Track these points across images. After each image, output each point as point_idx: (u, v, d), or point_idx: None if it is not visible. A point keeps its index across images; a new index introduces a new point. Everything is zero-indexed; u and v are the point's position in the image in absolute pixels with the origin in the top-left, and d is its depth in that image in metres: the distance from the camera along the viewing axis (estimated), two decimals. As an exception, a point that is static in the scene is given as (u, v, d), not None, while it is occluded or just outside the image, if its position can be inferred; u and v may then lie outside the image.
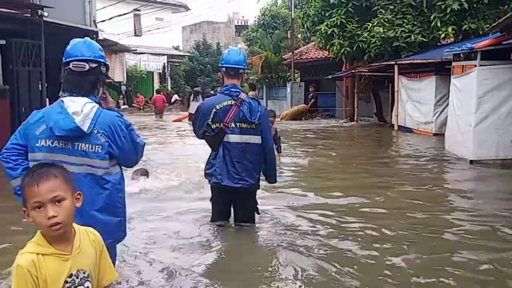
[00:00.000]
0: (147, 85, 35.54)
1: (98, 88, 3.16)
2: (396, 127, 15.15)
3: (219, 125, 4.63)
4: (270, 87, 27.09)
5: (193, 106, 19.91)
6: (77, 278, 1.87)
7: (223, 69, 4.82)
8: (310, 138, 14.39)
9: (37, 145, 2.97)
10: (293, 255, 4.19)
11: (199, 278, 3.74)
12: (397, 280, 3.66)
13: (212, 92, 20.77)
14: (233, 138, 4.65)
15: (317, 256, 4.18)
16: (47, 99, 10.78)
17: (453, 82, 10.12)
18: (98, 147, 3.00)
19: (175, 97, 34.59)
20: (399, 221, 5.25)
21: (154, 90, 35.29)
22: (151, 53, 33.67)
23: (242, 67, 4.86)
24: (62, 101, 3.00)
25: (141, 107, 31.53)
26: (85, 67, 3.08)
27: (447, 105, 11.12)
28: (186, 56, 39.94)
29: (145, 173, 7.37)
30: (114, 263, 3.79)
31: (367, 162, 9.51)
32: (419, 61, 13.74)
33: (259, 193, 5.07)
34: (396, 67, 14.94)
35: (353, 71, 18.00)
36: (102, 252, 2.03)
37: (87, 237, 1.97)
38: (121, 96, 32.62)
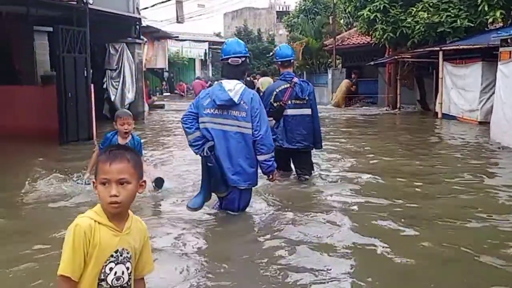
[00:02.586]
0: (189, 71, 35.92)
1: (245, 74, 5.14)
2: (440, 115, 14.79)
3: (280, 103, 6.28)
4: (310, 74, 26.87)
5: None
6: (121, 255, 1.96)
7: (279, 62, 6.56)
8: (352, 127, 14.24)
9: (204, 112, 4.73)
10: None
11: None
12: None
13: (247, 78, 20.75)
14: (290, 112, 6.32)
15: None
16: (92, 85, 11.08)
17: (500, 69, 9.79)
18: (244, 113, 4.68)
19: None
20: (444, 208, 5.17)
21: (195, 76, 35.74)
22: (193, 40, 33.94)
23: (292, 58, 6.64)
24: (221, 83, 4.77)
25: (183, 94, 31.93)
26: (238, 61, 4.86)
27: (494, 92, 10.78)
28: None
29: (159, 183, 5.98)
30: (248, 202, 4.93)
31: (409, 151, 9.33)
32: (464, 46, 13.34)
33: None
34: (440, 53, 14.55)
35: (396, 57, 17.66)
36: (146, 243, 2.11)
37: (136, 224, 2.07)
38: (164, 83, 33.10)
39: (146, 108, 17.00)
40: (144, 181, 2.04)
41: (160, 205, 5.50)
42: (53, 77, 11.52)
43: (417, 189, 6.18)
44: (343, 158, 8.41)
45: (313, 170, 6.71)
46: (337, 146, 9.91)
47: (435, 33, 15.20)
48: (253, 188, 4.97)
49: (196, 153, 4.81)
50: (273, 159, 4.83)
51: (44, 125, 10.77)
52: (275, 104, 6.26)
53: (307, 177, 6.47)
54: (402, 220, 4.75)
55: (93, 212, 1.96)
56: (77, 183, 5.98)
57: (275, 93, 6.33)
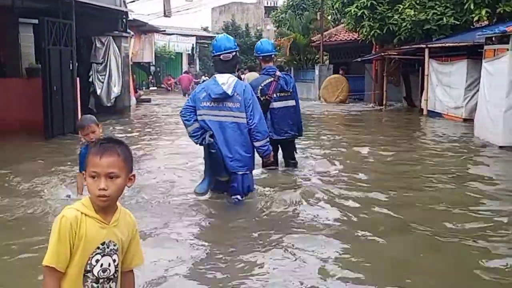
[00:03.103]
0: (176, 66, 35.73)
1: (236, 67, 5.63)
2: (425, 112, 14.90)
3: (265, 97, 6.47)
4: (298, 69, 26.90)
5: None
6: (108, 248, 1.97)
7: (260, 57, 6.81)
8: (337, 123, 14.33)
9: (201, 105, 5.11)
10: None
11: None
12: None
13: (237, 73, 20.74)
14: (276, 104, 6.64)
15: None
16: (77, 78, 11.01)
17: (485, 66, 9.90)
18: (237, 104, 5.08)
19: (203, 78, 34.71)
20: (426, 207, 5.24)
21: (182, 71, 35.56)
22: (180, 34, 33.70)
23: (273, 53, 6.98)
24: (215, 77, 5.17)
25: (169, 88, 31.77)
26: (229, 57, 5.24)
27: (478, 90, 10.90)
28: (215, 38, 39.92)
29: None
30: (250, 186, 5.30)
31: (392, 146, 9.41)
32: (450, 44, 13.45)
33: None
34: (426, 51, 14.65)
35: (382, 54, 17.74)
36: (135, 236, 2.12)
37: (124, 216, 2.07)
38: (150, 77, 32.90)
39: (133, 102, 16.91)
40: (134, 175, 2.05)
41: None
42: (38, 69, 11.41)
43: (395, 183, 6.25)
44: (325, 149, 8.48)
45: (296, 152, 7.23)
46: (322, 140, 9.99)
47: (422, 31, 15.31)
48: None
49: (196, 143, 5.25)
50: (268, 143, 5.30)
51: (29, 118, 10.67)
52: (261, 98, 6.36)
53: (295, 162, 7.06)
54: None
55: (80, 204, 1.97)
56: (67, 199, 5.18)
57: (260, 87, 6.50)
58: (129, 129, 12.27)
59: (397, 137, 10.82)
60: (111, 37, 14.64)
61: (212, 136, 5.04)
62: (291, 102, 6.79)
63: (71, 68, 10.74)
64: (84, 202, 1.97)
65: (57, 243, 1.89)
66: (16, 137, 9.93)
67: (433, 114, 14.47)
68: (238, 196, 5.21)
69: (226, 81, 5.08)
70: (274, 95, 6.60)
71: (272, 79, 6.59)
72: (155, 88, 31.75)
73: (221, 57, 5.22)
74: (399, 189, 5.98)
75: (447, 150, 8.90)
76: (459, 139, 10.09)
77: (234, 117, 5.08)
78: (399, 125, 13.65)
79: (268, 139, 5.30)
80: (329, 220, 4.75)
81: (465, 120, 12.59)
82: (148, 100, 21.56)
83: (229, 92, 5.03)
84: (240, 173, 5.15)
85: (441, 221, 4.67)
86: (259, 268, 3.63)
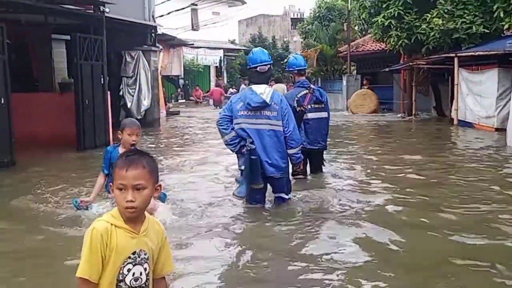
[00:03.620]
0: (204, 79, 36.07)
1: (269, 79, 5.99)
2: (455, 122, 14.69)
3: (301, 107, 6.81)
4: (325, 80, 26.86)
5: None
6: (139, 257, 2.02)
7: (295, 71, 7.19)
8: (366, 133, 14.24)
9: (238, 114, 5.42)
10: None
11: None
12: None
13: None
14: (310, 115, 6.95)
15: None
16: (108, 92, 11.24)
17: (516, 75, 9.72)
18: (275, 112, 5.39)
19: (230, 90, 34.98)
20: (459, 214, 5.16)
21: (211, 83, 35.87)
22: (208, 47, 34.08)
23: (305, 67, 7.42)
24: (251, 88, 5.53)
25: (198, 101, 32.09)
26: (265, 69, 5.60)
27: (510, 98, 10.69)
28: (242, 50, 40.19)
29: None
30: (287, 189, 5.66)
31: (425, 159, 9.29)
32: (480, 53, 13.25)
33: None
34: (456, 60, 14.48)
35: (411, 63, 17.58)
36: (165, 244, 2.16)
37: (153, 225, 2.12)
38: (179, 90, 33.29)
39: (163, 114, 17.15)
40: (160, 185, 2.09)
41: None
42: (71, 84, 11.69)
43: (428, 197, 6.17)
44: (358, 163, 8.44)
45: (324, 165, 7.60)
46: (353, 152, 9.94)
47: (450, 40, 15.11)
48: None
49: (232, 151, 5.60)
50: (300, 151, 5.61)
51: (61, 132, 10.93)
52: (297, 109, 6.73)
53: (322, 172, 7.44)
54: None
55: (109, 216, 2.02)
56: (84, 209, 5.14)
57: (296, 98, 6.87)
58: (159, 141, 12.45)
59: (428, 146, 10.67)
60: (140, 51, 14.94)
61: (252, 143, 5.33)
62: (324, 114, 7.13)
63: (102, 82, 10.97)
64: (113, 213, 2.03)
65: (89, 255, 1.94)
66: (49, 150, 10.17)
67: (463, 123, 14.24)
68: (283, 195, 5.62)
69: (263, 91, 5.41)
70: (309, 106, 6.92)
71: (307, 91, 6.97)
72: (184, 100, 32.08)
73: (258, 69, 5.60)
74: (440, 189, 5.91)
75: (480, 159, 8.75)
76: (492, 148, 9.90)
77: (271, 124, 5.39)
78: (429, 135, 13.47)
79: (300, 147, 5.60)
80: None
81: (497, 129, 12.35)
82: (177, 113, 21.79)
83: (268, 101, 5.36)
84: (277, 177, 5.48)
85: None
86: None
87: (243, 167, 5.46)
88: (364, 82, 22.27)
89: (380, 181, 7.01)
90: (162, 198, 5.14)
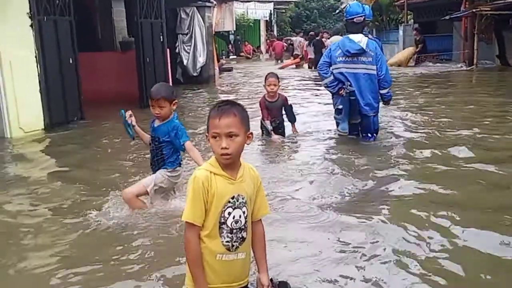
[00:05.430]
0: (254, 33, 35.79)
1: (363, 28, 6.53)
2: (521, 70, 14.04)
3: None
4: (380, 31, 26.02)
5: (311, 51, 19.86)
6: (237, 201, 2.17)
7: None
8: (423, 86, 13.83)
9: (337, 60, 6.31)
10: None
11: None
12: None
13: (317, 38, 20.37)
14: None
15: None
16: (168, 49, 11.39)
17: None
18: (370, 58, 6.21)
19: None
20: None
21: (261, 38, 35.55)
22: (258, 1, 33.62)
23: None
24: (348, 36, 6.35)
25: (249, 56, 31.95)
26: (361, 19, 6.42)
27: None
28: (292, 2, 39.40)
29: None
30: (377, 127, 6.55)
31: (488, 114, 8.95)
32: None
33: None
34: (524, 4, 13.69)
35: (474, 10, 16.73)
36: (260, 188, 2.30)
37: (249, 171, 2.26)
38: (230, 46, 33.22)
39: (217, 71, 17.25)
40: (251, 133, 2.21)
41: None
42: (131, 42, 11.91)
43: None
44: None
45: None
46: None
47: (518, -17, 14.27)
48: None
49: (331, 92, 6.53)
50: (390, 91, 6.53)
51: (124, 89, 11.21)
52: None
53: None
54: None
55: (208, 164, 2.18)
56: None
57: None
58: (216, 97, 12.56)
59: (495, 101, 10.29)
60: (195, 8, 14.97)
61: (350, 85, 6.20)
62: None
63: (161, 40, 11.11)
64: (211, 162, 2.17)
65: (192, 201, 2.10)
66: (112, 107, 10.47)
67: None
68: (369, 134, 6.47)
69: (360, 39, 6.22)
70: None
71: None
72: (235, 56, 32.05)
73: (355, 19, 6.41)
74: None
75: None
76: None
77: (367, 69, 6.23)
78: (494, 87, 12.93)
79: (390, 87, 6.49)
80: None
81: None
82: (230, 69, 21.78)
83: (365, 48, 6.17)
84: (370, 115, 6.36)
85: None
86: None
87: (340, 106, 6.35)
88: (414, 33, 21.23)
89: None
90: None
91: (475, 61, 17.62)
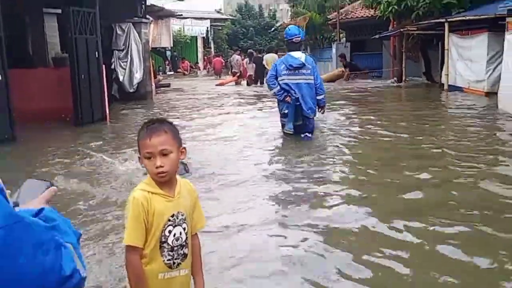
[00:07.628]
0: (192, 50, 35.85)
1: (301, 47, 8.36)
2: (446, 87, 14.88)
3: None
4: (314, 49, 26.85)
5: (251, 68, 20.15)
6: (177, 218, 2.16)
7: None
8: (355, 98, 14.39)
9: (282, 73, 7.68)
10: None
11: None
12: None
13: (259, 55, 20.72)
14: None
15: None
16: (103, 65, 11.20)
17: (507, 39, 9.91)
18: (309, 70, 7.65)
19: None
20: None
21: (198, 55, 35.66)
22: (194, 18, 33.78)
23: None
24: (290, 54, 7.83)
25: (186, 72, 31.91)
26: (298, 40, 7.99)
27: (500, 62, 10.88)
28: (229, 20, 39.87)
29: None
30: (314, 126, 7.97)
31: (413, 120, 9.50)
32: (471, 17, 13.36)
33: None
34: (446, 25, 14.56)
35: (401, 30, 17.64)
36: (196, 202, 2.31)
37: (185, 186, 2.26)
38: (167, 62, 33.06)
39: (154, 87, 17.10)
40: (184, 148, 2.21)
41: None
42: (64, 58, 11.61)
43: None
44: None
45: None
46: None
47: (440, 5, 15.21)
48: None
49: (278, 100, 7.89)
50: (325, 97, 7.97)
51: (58, 107, 10.88)
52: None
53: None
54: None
55: (144, 184, 2.15)
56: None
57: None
58: (156, 113, 12.48)
59: (421, 109, 10.89)
60: (131, 24, 14.83)
61: (295, 93, 7.57)
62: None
63: (97, 56, 10.92)
64: (147, 181, 2.15)
65: (133, 223, 2.08)
66: (46, 126, 10.17)
67: (453, 88, 14.45)
68: (308, 134, 7.77)
69: (300, 55, 7.78)
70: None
71: None
72: (172, 72, 31.92)
73: (294, 40, 7.92)
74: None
75: (475, 123, 8.99)
76: (484, 110, 10.15)
77: (307, 79, 7.67)
78: (420, 99, 13.67)
79: (325, 93, 7.93)
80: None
81: (487, 93, 12.57)
82: (168, 85, 21.66)
83: (304, 62, 7.63)
84: (311, 117, 7.76)
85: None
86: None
87: (286, 111, 7.76)
88: (340, 59, 21.87)
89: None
90: None
91: (403, 77, 18.55)
